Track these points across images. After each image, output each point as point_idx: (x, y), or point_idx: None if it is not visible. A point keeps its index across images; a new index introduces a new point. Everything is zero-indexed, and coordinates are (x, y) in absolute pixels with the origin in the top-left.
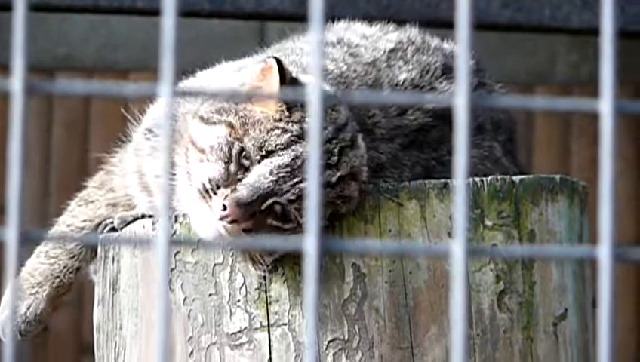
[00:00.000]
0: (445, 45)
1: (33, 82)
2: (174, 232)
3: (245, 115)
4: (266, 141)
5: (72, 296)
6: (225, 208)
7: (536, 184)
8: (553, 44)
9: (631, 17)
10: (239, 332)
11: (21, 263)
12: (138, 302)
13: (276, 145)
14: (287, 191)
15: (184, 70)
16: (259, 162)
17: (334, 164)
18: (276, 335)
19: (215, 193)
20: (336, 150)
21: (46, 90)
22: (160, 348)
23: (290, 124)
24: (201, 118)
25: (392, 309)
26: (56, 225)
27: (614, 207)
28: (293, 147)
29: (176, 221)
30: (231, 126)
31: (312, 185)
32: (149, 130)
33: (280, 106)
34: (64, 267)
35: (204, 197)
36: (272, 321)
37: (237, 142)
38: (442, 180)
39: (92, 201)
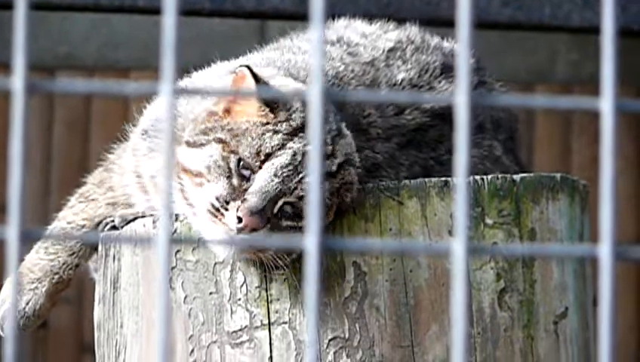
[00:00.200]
0: (445, 44)
1: (34, 81)
2: (175, 231)
3: (232, 127)
4: (261, 146)
5: (72, 295)
6: (240, 220)
7: (536, 182)
8: (554, 43)
9: (632, 16)
10: (240, 330)
11: (21, 258)
12: (139, 300)
13: (272, 147)
14: (295, 189)
15: (184, 69)
16: (260, 168)
17: (331, 153)
18: (277, 334)
19: (226, 209)
20: (328, 140)
21: (47, 88)
22: (160, 347)
23: (278, 125)
24: (188, 143)
25: (392, 308)
26: (56, 220)
27: (615, 205)
28: (288, 145)
29: (176, 219)
30: (221, 141)
31: (312, 185)
32: (146, 131)
33: (262, 110)
34: (63, 263)
35: (215, 216)
36: (272, 320)
37: (232, 155)
38: (443, 178)
39: (92, 200)
